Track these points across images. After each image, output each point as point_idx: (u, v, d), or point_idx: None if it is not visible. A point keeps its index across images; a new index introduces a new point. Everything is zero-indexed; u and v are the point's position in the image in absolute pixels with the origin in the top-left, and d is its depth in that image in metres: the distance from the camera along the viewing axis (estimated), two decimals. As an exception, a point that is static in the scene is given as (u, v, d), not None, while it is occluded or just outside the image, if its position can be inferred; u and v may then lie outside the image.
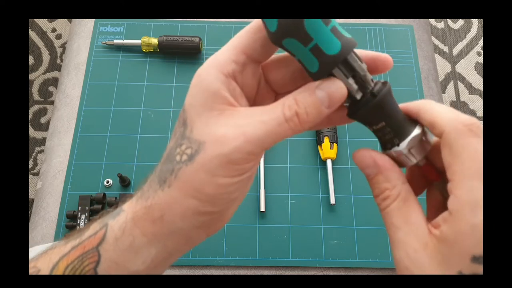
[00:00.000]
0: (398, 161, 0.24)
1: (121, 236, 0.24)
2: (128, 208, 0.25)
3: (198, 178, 0.22)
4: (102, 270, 0.24)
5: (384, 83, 0.24)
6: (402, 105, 0.25)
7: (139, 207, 0.24)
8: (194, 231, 0.24)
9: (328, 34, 0.21)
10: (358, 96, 0.23)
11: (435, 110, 0.23)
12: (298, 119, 0.22)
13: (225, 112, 0.23)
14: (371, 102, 0.23)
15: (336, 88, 0.22)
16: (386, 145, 0.25)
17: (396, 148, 0.24)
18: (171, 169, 0.23)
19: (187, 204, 0.23)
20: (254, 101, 0.26)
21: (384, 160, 0.24)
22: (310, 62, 0.22)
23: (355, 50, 0.23)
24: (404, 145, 0.24)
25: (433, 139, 0.25)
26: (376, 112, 0.23)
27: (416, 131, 0.24)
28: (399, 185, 0.23)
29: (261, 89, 0.26)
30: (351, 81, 0.23)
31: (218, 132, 0.22)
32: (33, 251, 0.34)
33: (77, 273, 0.24)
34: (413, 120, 0.24)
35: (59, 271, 0.24)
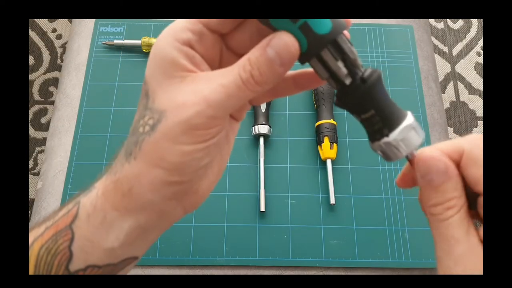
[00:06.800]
0: (386, 155, 0.23)
1: (93, 212, 0.24)
2: (99, 184, 0.25)
3: (162, 147, 0.22)
4: (76, 248, 0.24)
5: (374, 70, 0.22)
6: (437, 145, 0.23)
7: (108, 181, 0.24)
8: (166, 204, 0.24)
9: None
10: (348, 81, 0.22)
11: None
12: (254, 80, 0.22)
13: (186, 79, 0.23)
14: (361, 88, 0.22)
15: (285, 46, 0.21)
16: (375, 136, 0.23)
17: (386, 139, 0.22)
18: (136, 141, 0.23)
19: (154, 174, 0.23)
20: (219, 67, 0.25)
21: (453, 166, 0.22)
22: (299, 41, 0.21)
23: (346, 33, 0.22)
24: (394, 135, 0.22)
25: (423, 133, 0.23)
26: (365, 99, 0.22)
27: (407, 121, 0.23)
28: (463, 195, 0.22)
29: (224, 56, 0.26)
30: (340, 64, 0.22)
31: (179, 99, 0.22)
32: None
33: (51, 253, 0.24)
34: (402, 110, 0.23)
35: (33, 252, 0.24)
